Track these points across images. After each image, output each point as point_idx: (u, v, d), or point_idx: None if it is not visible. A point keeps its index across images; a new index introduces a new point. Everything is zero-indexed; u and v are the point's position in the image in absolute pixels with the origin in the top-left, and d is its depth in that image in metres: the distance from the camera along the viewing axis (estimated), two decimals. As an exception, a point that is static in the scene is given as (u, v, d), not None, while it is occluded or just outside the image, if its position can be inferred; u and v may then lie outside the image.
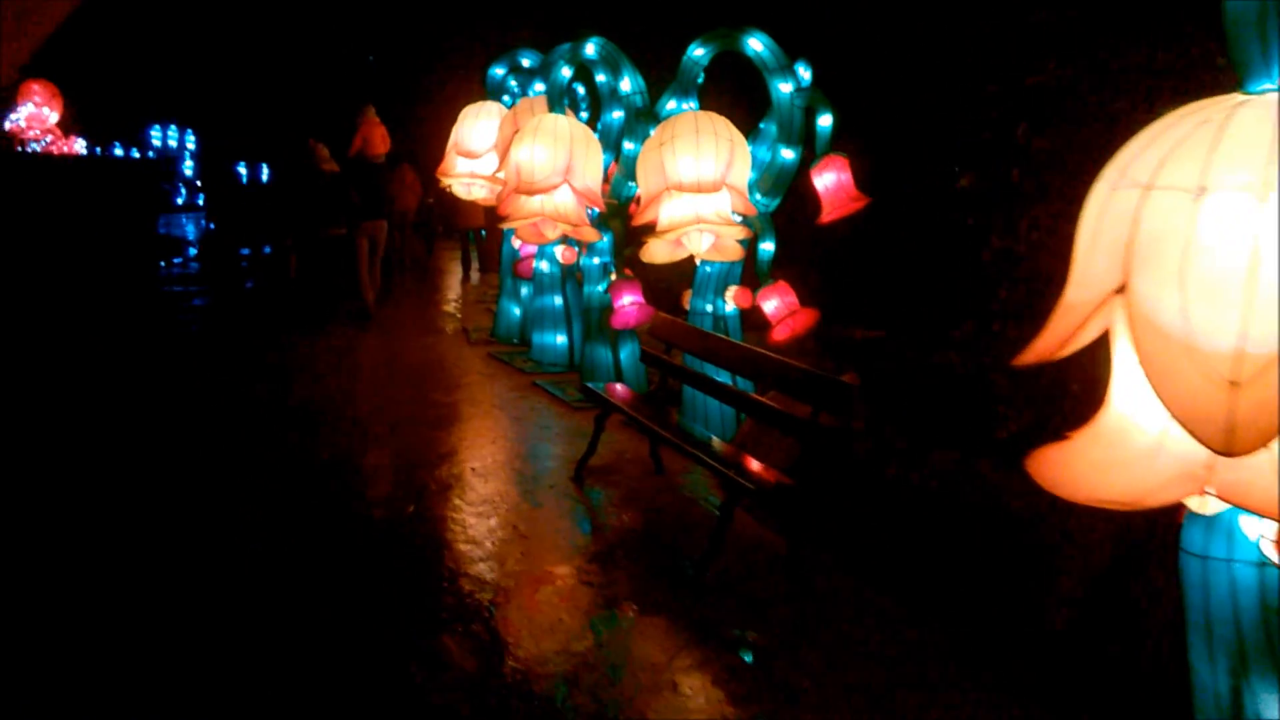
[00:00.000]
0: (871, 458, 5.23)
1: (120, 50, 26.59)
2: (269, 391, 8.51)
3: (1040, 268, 3.45)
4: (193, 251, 21.26)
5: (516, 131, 8.54)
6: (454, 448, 6.99)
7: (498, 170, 9.00)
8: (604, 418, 6.42)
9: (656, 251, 6.73)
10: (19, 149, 15.55)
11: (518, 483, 6.31)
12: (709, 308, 7.30)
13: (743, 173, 6.48)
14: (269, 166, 30.41)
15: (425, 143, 20.03)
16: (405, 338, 11.56)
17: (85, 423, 7.48)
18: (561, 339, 9.78)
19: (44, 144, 16.19)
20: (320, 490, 6.05)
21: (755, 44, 6.56)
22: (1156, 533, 3.51)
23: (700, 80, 6.95)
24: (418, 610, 4.50)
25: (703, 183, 6.30)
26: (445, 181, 10.46)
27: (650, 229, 6.73)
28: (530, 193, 7.50)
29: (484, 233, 18.43)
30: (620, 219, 8.33)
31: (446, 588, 4.73)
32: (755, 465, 5.15)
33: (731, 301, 7.30)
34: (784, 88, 6.41)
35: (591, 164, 7.59)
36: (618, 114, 8.35)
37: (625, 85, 7.61)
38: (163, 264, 17.74)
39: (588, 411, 7.98)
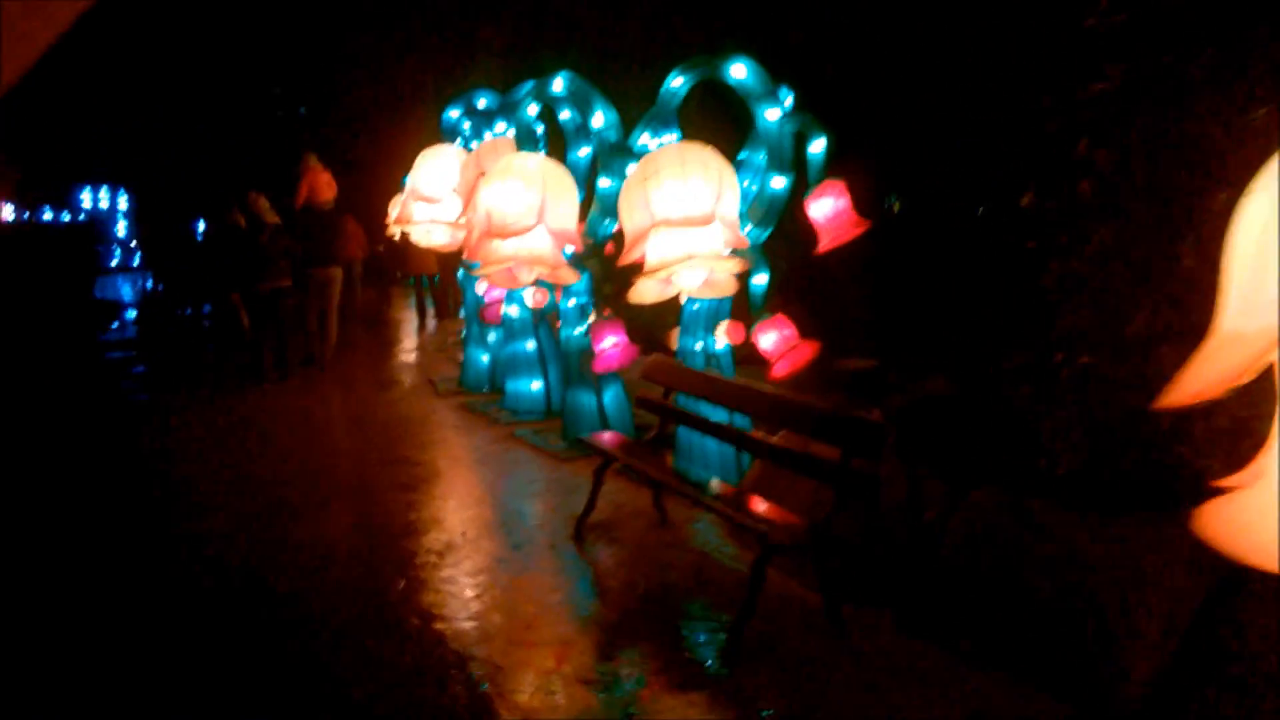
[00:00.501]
0: (906, 501, 4.89)
1: (43, 112, 25.75)
2: (226, 460, 7.96)
3: (1110, 291, 3.18)
4: (131, 314, 20.43)
5: (481, 174, 8.19)
6: (438, 511, 6.52)
7: (461, 215, 8.61)
8: (603, 470, 6.01)
9: (645, 291, 6.37)
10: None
11: (514, 546, 5.86)
12: (699, 346, 6.95)
13: (733, 203, 6.16)
14: (206, 221, 29.64)
15: (370, 190, 19.57)
16: (369, 392, 11.04)
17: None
18: (537, 385, 9.36)
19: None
20: (298, 572, 5.54)
21: (738, 70, 6.26)
22: (1248, 575, 3.19)
23: (675, 108, 6.63)
24: (424, 710, 4.04)
25: (692, 217, 5.96)
26: (403, 229, 10.04)
27: (636, 268, 6.39)
28: (503, 236, 7.11)
29: (437, 278, 17.96)
30: (597, 258, 7.97)
31: (454, 675, 4.27)
32: (784, 516, 4.78)
33: (724, 338, 6.96)
34: (771, 114, 6.13)
35: (566, 202, 7.23)
36: (585, 151, 8.02)
37: (598, 120, 7.29)
38: (102, 328, 16.97)
39: (575, 462, 7.57)
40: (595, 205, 7.61)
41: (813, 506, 5.85)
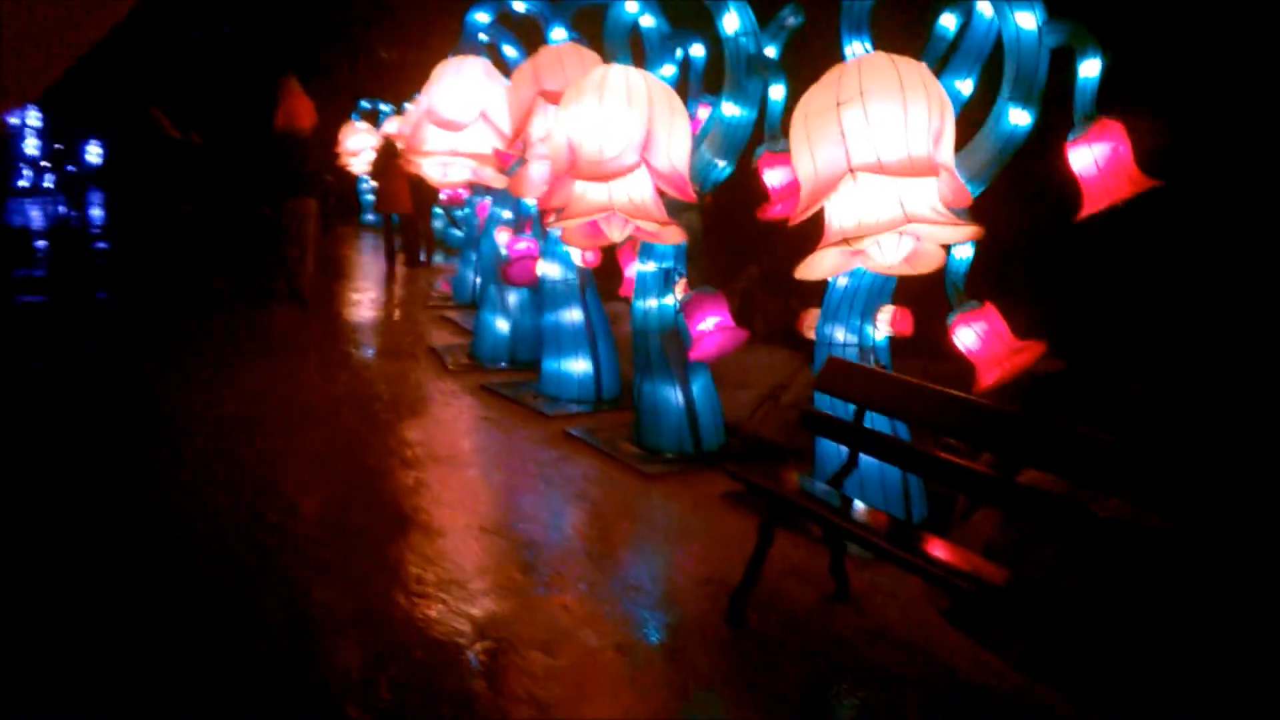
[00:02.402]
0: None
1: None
2: (192, 474, 5.94)
3: None
4: (41, 245, 17.71)
5: (542, 93, 6.22)
6: (507, 574, 4.62)
7: (510, 144, 6.62)
8: (772, 527, 4.18)
9: (822, 264, 4.55)
10: None
11: (640, 626, 4.04)
12: (853, 337, 5.15)
13: (950, 145, 4.37)
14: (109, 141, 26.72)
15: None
16: (361, 363, 9.00)
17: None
18: (584, 366, 7.46)
19: None
20: (331, 668, 3.66)
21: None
22: None
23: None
24: None
25: (916, 161, 4.13)
26: (415, 160, 7.99)
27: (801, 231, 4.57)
28: (595, 177, 5.19)
29: (396, 219, 15.72)
30: (696, 211, 6.08)
31: None
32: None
33: (886, 327, 5.18)
34: (1023, 19, 4.27)
35: (678, 137, 5.35)
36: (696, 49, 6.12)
37: (731, 23, 5.33)
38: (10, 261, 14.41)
39: (668, 481, 5.76)
40: (709, 140, 5.70)
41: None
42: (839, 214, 4.34)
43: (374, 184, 17.63)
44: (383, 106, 20.37)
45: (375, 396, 7.63)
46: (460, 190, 11.05)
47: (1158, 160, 4.15)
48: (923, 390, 4.18)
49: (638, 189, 5.33)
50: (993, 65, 4.67)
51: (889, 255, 4.35)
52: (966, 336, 4.82)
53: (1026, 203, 4.52)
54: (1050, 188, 4.66)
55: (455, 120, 7.54)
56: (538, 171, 6.55)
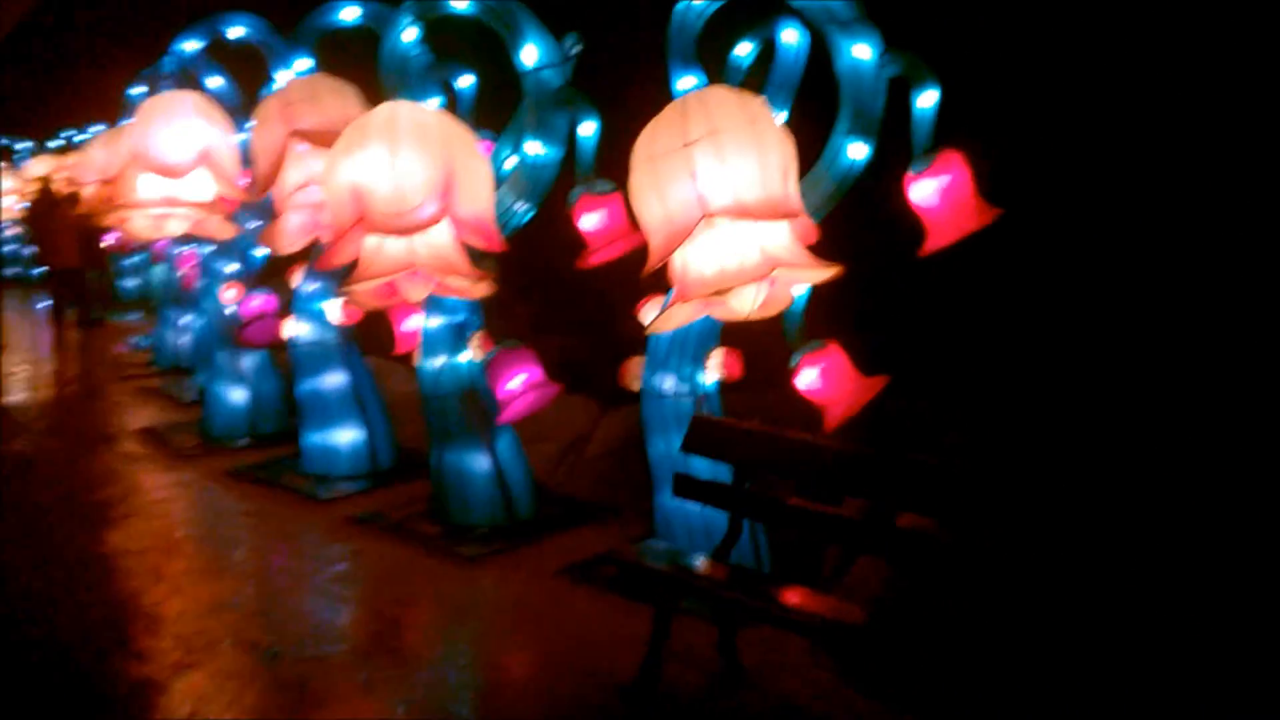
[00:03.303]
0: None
1: None
2: None
3: None
4: None
5: (296, 133, 5.41)
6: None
7: (255, 196, 5.69)
8: (669, 614, 3.74)
9: (677, 316, 4.19)
10: None
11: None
12: (684, 385, 4.85)
13: (796, 182, 4.18)
14: None
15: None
16: (55, 459, 7.47)
17: None
18: (353, 435, 6.61)
19: None
20: None
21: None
22: None
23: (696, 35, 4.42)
24: None
25: (776, 202, 3.89)
26: (121, 215, 6.78)
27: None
28: (395, 231, 4.51)
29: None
30: (492, 260, 5.53)
31: None
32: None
33: (717, 370, 4.94)
34: (859, 51, 4.16)
35: (480, 180, 4.79)
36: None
37: (529, 55, 4.83)
38: None
39: (487, 563, 5.15)
40: (510, 182, 5.17)
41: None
42: (696, 263, 4.00)
43: (30, 234, 15.20)
44: (18, 145, 17.73)
45: (86, 505, 6.29)
46: (126, 237, 9.45)
47: (993, 189, 4.19)
48: (806, 444, 3.96)
49: (440, 241, 4.71)
50: (811, 94, 4.54)
51: (748, 302, 4.08)
52: (812, 377, 4.65)
53: (859, 235, 4.43)
54: (880, 218, 4.61)
55: (174, 165, 6.44)
56: (294, 222, 5.69)
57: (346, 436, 6.59)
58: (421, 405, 5.76)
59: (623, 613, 4.46)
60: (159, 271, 15.21)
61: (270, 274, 7.68)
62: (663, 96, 4.92)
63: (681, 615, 4.42)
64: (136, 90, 9.94)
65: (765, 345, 4.90)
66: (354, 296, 4.93)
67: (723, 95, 4.02)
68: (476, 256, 5.10)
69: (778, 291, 4.23)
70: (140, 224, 6.86)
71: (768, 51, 4.87)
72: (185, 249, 9.68)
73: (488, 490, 5.59)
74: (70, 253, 13.01)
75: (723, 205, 3.83)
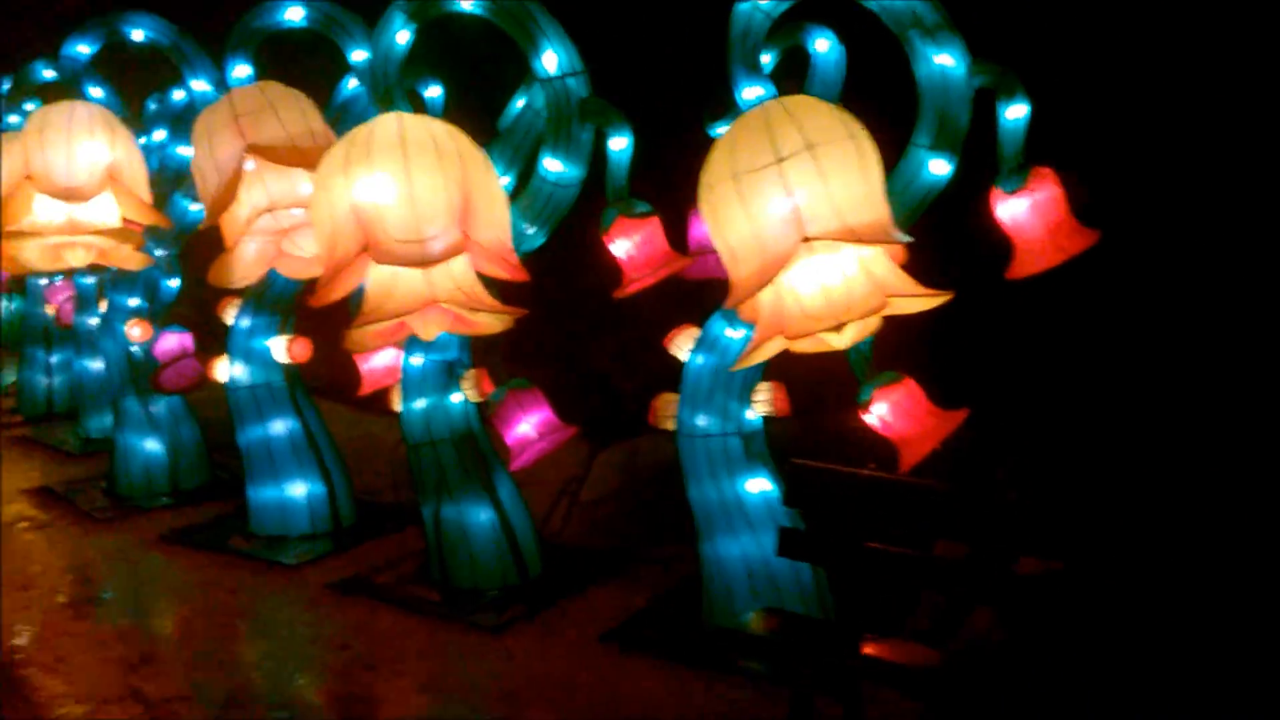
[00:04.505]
0: None
1: None
2: None
3: None
4: None
5: (254, 149, 4.67)
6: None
7: (210, 219, 4.84)
8: (810, 694, 3.27)
9: (765, 351, 3.73)
10: None
11: None
12: (730, 424, 4.40)
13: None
14: None
15: None
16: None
17: None
18: (310, 489, 5.82)
19: None
20: None
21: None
22: None
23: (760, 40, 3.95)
24: None
25: (884, 225, 3.49)
26: (11, 245, 5.77)
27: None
28: (413, 263, 3.87)
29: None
30: (494, 288, 4.91)
31: None
32: None
33: (766, 406, 4.51)
34: (944, 59, 3.78)
35: (498, 202, 4.20)
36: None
37: (549, 62, 4.24)
38: None
39: (513, 632, 4.55)
40: (522, 203, 4.56)
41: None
42: (795, 293, 3.56)
43: None
44: None
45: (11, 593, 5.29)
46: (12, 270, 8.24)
47: (1089, 212, 3.91)
48: (893, 482, 3.59)
49: (460, 271, 4.10)
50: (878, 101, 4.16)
51: (847, 335, 3.68)
52: (884, 412, 4.27)
53: (941, 256, 4.08)
54: (961, 239, 4.27)
55: (78, 187, 5.51)
56: (250, 252, 4.90)
57: (303, 490, 5.80)
58: (408, 454, 5.08)
59: (695, 682, 4.00)
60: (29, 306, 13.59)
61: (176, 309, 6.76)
62: (690, 108, 4.50)
63: (735, 675, 4.05)
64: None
65: (797, 374, 4.52)
66: (356, 338, 4.23)
67: (812, 105, 3.58)
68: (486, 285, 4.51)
69: (869, 321, 3.85)
70: (32, 255, 5.86)
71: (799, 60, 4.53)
72: (55, 280, 8.55)
73: (494, 547, 4.97)
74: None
75: (825, 228, 3.40)
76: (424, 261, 3.87)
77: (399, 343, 4.96)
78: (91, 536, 5.93)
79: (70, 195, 5.48)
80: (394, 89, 4.38)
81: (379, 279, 4.02)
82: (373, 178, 3.87)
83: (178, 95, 6.63)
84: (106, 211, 5.74)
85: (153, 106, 7.12)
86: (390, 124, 3.97)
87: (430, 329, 4.21)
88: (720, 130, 4.49)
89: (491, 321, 4.21)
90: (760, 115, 3.56)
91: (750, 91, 3.88)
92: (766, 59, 4.34)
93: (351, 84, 5.61)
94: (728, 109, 4.20)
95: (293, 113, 4.77)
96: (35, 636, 4.62)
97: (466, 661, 4.31)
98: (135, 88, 7.07)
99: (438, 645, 4.45)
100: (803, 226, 3.41)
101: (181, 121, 6.49)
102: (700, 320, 4.42)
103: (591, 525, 5.68)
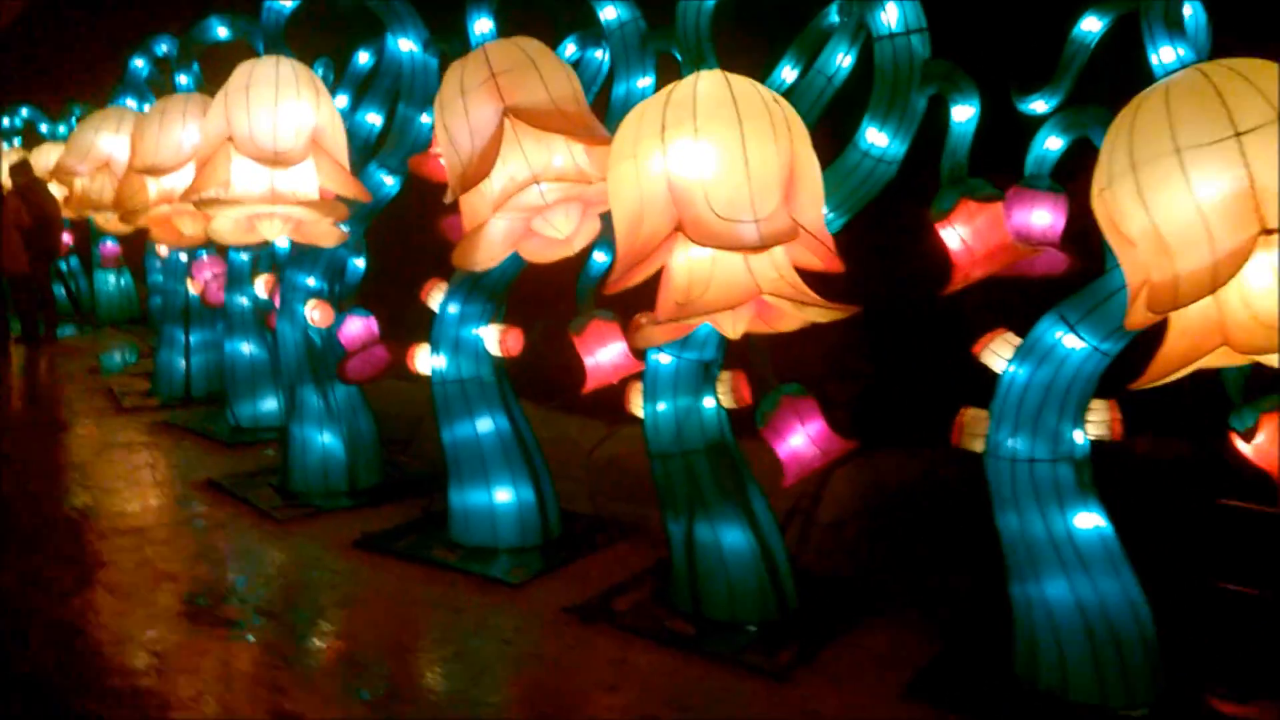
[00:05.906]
0: None
1: None
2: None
3: None
4: None
5: (512, 111, 4.11)
6: None
7: (460, 189, 4.28)
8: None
9: (1204, 363, 3.08)
10: None
11: None
12: (1059, 450, 3.75)
13: None
14: None
15: None
16: (129, 521, 5.85)
17: None
18: (519, 495, 5.26)
19: None
20: None
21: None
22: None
23: None
24: None
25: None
26: (206, 214, 5.32)
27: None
28: (731, 245, 3.28)
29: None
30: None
31: None
32: None
33: (1100, 428, 3.85)
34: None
35: (817, 180, 3.59)
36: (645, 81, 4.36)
37: (889, 15, 3.63)
38: None
39: (808, 681, 3.92)
40: (833, 179, 3.96)
41: None
42: (1242, 293, 2.92)
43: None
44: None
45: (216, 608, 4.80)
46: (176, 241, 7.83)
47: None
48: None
49: (782, 260, 3.50)
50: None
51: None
52: (1268, 440, 3.60)
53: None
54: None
55: (284, 151, 5.02)
56: (499, 231, 4.35)
57: (510, 496, 5.24)
58: (652, 464, 4.50)
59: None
60: (107, 279, 13.35)
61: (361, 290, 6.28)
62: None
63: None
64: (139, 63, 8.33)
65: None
66: (649, 333, 3.65)
67: (1268, 68, 2.95)
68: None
69: None
70: (224, 225, 5.40)
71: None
72: (200, 255, 8.12)
73: (754, 574, 4.36)
74: (18, 256, 11.07)
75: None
76: (757, 245, 3.28)
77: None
78: (277, 540, 5.42)
79: (276, 160, 4.99)
80: (705, 44, 3.78)
81: (696, 266, 3.44)
82: (698, 145, 3.29)
83: (363, 58, 6.16)
84: (306, 180, 5.26)
85: (319, 71, 6.65)
86: (717, 83, 3.39)
87: (738, 326, 3.62)
88: (1033, 106, 3.91)
89: (815, 317, 3.60)
90: (1189, 81, 2.92)
91: (1164, 53, 3.23)
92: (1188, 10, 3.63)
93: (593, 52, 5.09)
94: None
95: (558, 73, 4.21)
96: (258, 660, 4.10)
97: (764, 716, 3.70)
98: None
99: (717, 691, 3.84)
100: (1264, 213, 2.77)
101: (368, 86, 6.03)
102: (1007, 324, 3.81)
103: (832, 549, 5.05)
